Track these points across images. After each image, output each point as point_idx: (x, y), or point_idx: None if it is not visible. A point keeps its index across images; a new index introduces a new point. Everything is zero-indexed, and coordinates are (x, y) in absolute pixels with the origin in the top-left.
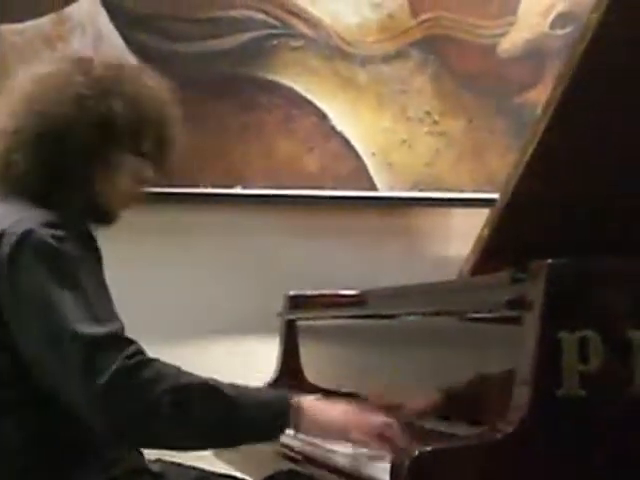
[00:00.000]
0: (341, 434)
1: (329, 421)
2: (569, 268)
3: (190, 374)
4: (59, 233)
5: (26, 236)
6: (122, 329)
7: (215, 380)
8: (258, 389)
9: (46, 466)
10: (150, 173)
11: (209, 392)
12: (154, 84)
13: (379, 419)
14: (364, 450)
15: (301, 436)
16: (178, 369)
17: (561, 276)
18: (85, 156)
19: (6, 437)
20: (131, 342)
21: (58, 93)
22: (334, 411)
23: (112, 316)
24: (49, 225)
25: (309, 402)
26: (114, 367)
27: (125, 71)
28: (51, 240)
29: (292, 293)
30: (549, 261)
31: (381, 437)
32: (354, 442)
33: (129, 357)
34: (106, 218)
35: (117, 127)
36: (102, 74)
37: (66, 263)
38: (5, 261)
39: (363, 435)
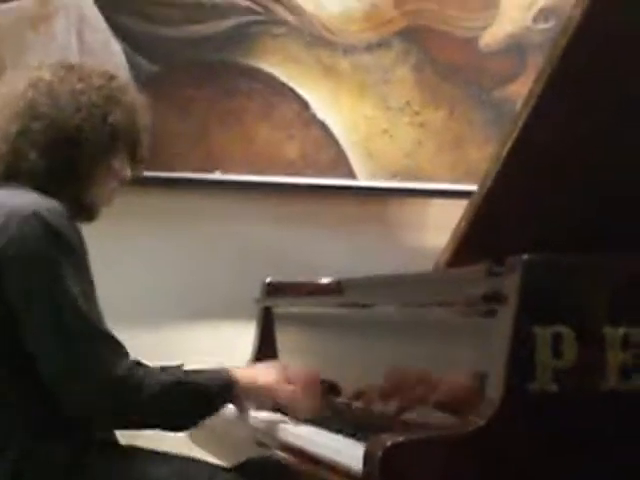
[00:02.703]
0: (271, 393)
1: (260, 388)
2: (545, 264)
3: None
4: (64, 222)
5: (36, 215)
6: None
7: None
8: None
9: (13, 438)
10: (129, 172)
11: (177, 389)
12: (135, 91)
13: (302, 371)
14: (339, 437)
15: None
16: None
17: (537, 271)
18: (90, 162)
19: None
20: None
21: (62, 101)
22: (262, 378)
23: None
24: (55, 211)
25: (240, 374)
26: (127, 364)
27: (116, 80)
28: (59, 225)
29: (269, 280)
30: (525, 256)
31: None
32: (283, 400)
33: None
34: (90, 215)
35: (119, 135)
36: (102, 83)
37: (73, 252)
38: (15, 238)
39: (289, 396)
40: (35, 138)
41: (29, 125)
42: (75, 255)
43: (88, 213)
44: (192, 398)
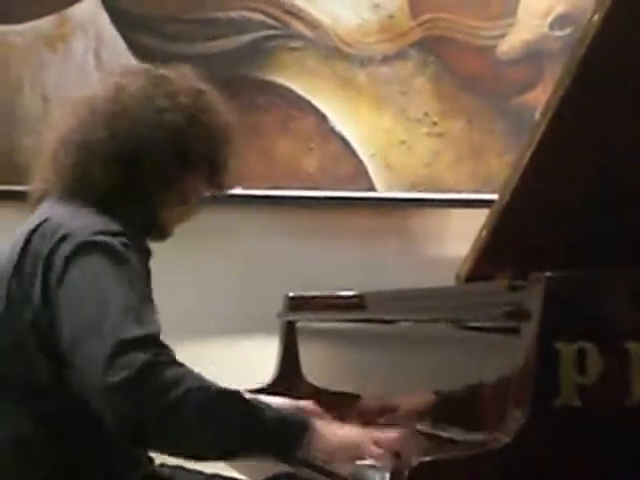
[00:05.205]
0: (355, 451)
1: (343, 439)
2: (567, 280)
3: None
4: (124, 241)
5: (92, 238)
6: (156, 331)
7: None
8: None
9: (59, 472)
10: (206, 192)
11: (232, 396)
12: (224, 111)
13: (392, 434)
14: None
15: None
16: (198, 374)
17: (559, 288)
18: (159, 180)
19: (25, 441)
20: (164, 346)
21: (142, 116)
22: (347, 431)
23: (154, 320)
24: (115, 234)
25: (323, 423)
26: (140, 362)
27: (203, 98)
28: (117, 244)
29: (291, 294)
30: (548, 273)
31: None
32: (366, 457)
33: (157, 354)
34: (162, 235)
35: (195, 157)
36: (186, 101)
37: (126, 265)
38: (65, 258)
39: (377, 449)
40: (105, 153)
41: (102, 138)
42: (128, 269)
43: (160, 232)
44: (233, 413)
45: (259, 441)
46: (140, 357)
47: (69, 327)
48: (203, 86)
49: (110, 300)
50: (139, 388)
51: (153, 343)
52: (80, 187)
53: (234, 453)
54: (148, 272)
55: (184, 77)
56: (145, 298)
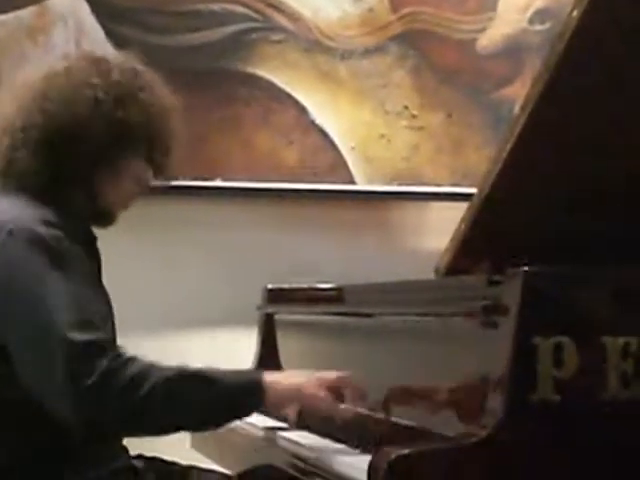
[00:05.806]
0: (297, 393)
1: (288, 384)
2: (545, 275)
3: (167, 366)
4: (56, 232)
5: (21, 231)
6: (107, 337)
7: (191, 367)
8: (230, 371)
9: (32, 466)
10: (151, 177)
11: (192, 380)
12: (164, 92)
13: (333, 373)
14: (343, 447)
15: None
16: (154, 363)
17: (537, 282)
18: (94, 160)
19: None
20: (118, 347)
21: (73, 93)
22: (291, 376)
23: (99, 322)
24: (47, 223)
25: (269, 375)
26: (100, 370)
27: (140, 77)
28: (47, 237)
29: (270, 286)
30: (525, 268)
31: (336, 390)
32: (309, 400)
33: (113, 359)
34: (106, 219)
35: (130, 135)
36: (119, 79)
37: (61, 260)
38: None
39: (318, 388)
40: (30, 135)
41: (36, 122)
42: (62, 264)
43: (104, 218)
44: (195, 394)
45: (222, 412)
46: (100, 364)
47: (16, 333)
48: (140, 67)
49: (50, 309)
50: (104, 394)
51: (106, 348)
52: (16, 176)
53: (198, 428)
54: (97, 258)
55: (122, 58)
56: (87, 296)
